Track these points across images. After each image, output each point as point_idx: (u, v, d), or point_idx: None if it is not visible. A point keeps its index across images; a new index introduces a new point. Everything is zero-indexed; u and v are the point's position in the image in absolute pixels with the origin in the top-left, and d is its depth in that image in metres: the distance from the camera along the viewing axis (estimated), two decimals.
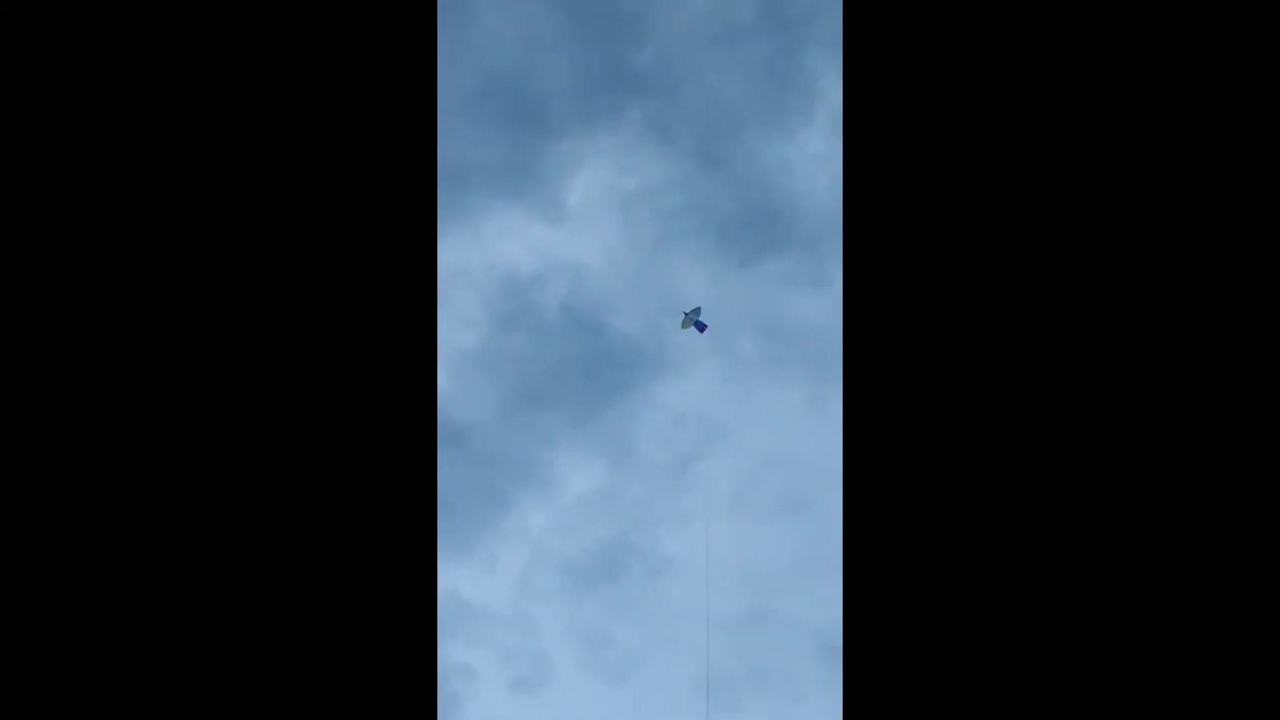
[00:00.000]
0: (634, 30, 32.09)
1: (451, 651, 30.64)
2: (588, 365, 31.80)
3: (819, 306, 32.27)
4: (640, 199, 31.98)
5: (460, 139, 31.16)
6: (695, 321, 25.06)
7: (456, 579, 30.94)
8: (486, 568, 31.23)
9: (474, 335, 31.56)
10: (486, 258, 31.73)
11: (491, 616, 30.98)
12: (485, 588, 31.21)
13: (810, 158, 32.49)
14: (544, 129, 31.61)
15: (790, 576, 31.10)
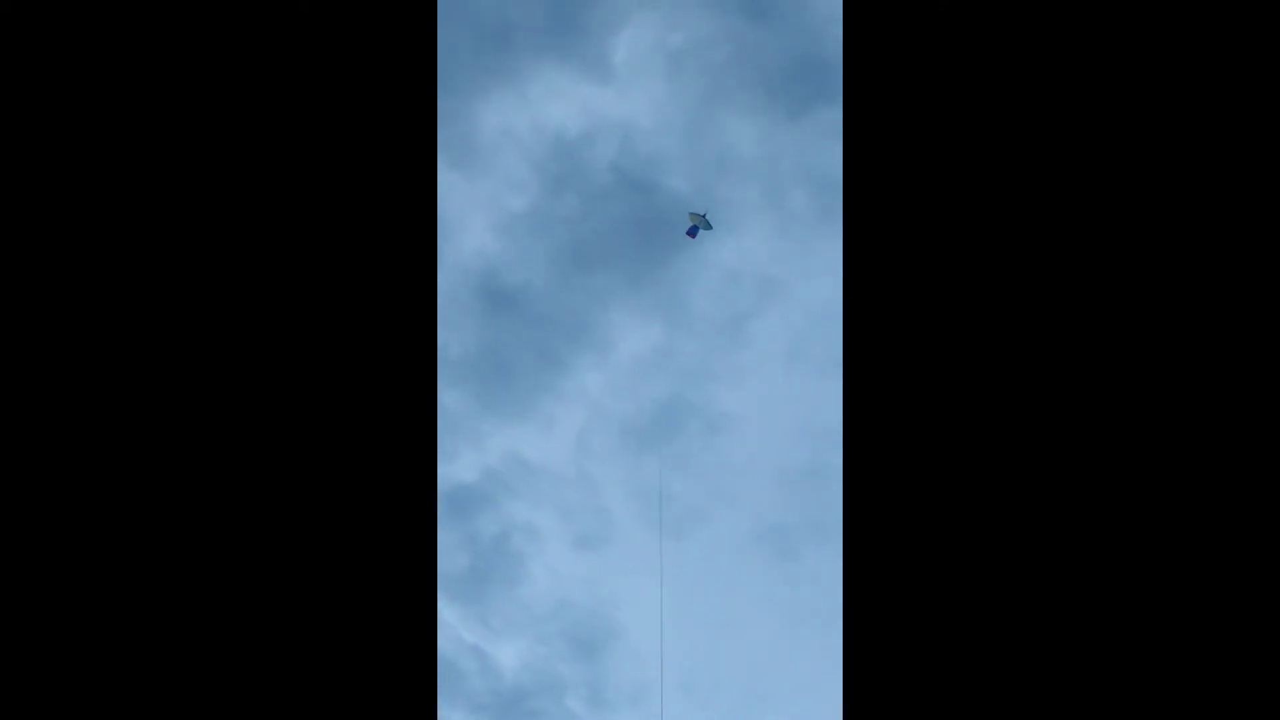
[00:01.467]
0: None
1: (515, 511, 31.29)
2: (640, 225, 31.67)
3: None
4: (687, 54, 31.45)
5: None
6: (694, 226, 24.57)
7: (517, 440, 31.44)
8: (545, 429, 31.69)
9: (524, 198, 31.48)
10: (534, 119, 31.47)
11: (552, 476, 31.53)
12: (545, 448, 31.71)
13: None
14: None
15: None
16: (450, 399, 30.51)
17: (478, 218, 31.41)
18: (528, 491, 31.35)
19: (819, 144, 31.71)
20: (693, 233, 24.59)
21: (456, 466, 30.89)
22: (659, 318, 31.80)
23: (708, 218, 24.56)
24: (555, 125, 31.51)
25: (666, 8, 31.41)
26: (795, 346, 31.97)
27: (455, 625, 30.36)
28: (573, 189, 31.60)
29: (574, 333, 31.60)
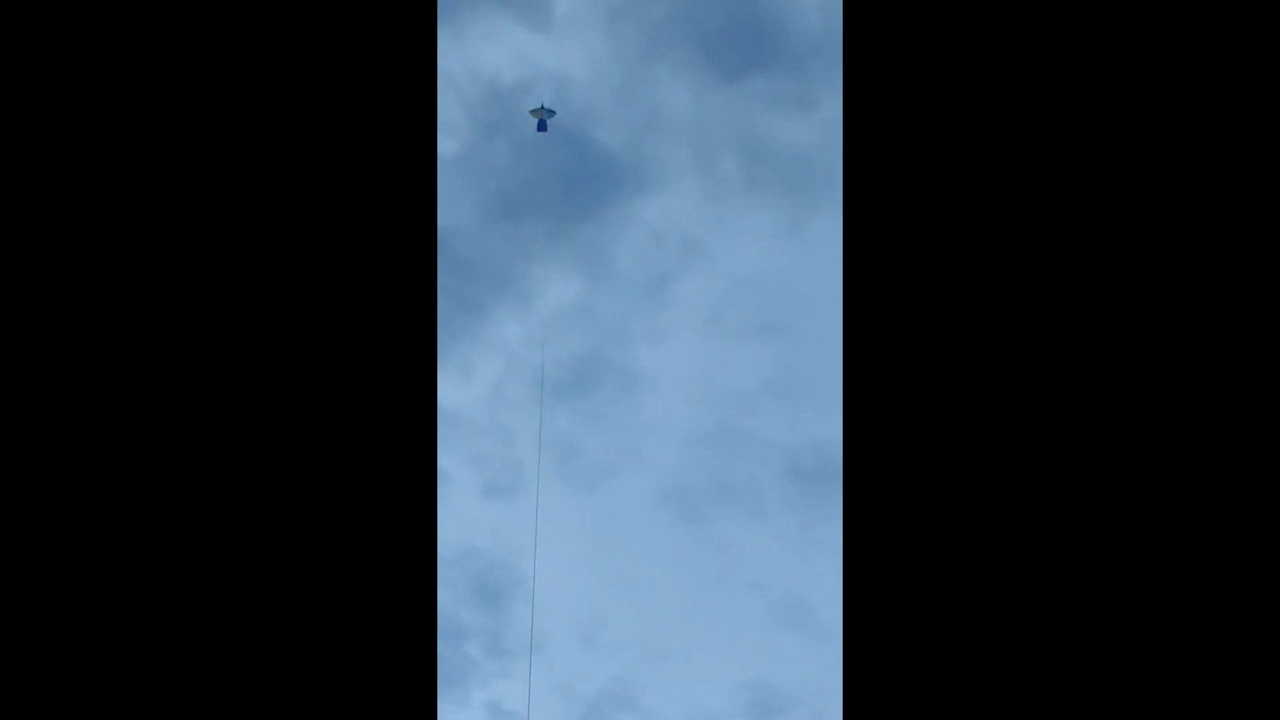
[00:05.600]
0: None
1: None
2: (568, 178, 31.54)
3: (803, 128, 31.99)
4: (626, 9, 31.30)
5: None
6: (541, 119, 24.46)
7: None
8: (462, 375, 31.51)
9: (455, 142, 31.17)
10: (469, 64, 31.13)
11: (466, 423, 31.39)
12: (460, 395, 31.53)
13: None
14: None
15: (760, 397, 31.59)
16: None
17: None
18: (440, 437, 31.17)
19: (752, 110, 31.82)
20: (542, 127, 24.48)
21: None
22: (581, 272, 31.77)
23: (545, 107, 24.51)
24: (491, 71, 31.23)
25: None
26: (714, 310, 32.15)
27: None
28: (504, 136, 31.35)
29: (495, 281, 31.45)
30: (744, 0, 31.75)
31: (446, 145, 31.09)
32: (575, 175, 31.67)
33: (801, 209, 31.69)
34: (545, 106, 24.29)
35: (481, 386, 31.54)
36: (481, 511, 31.24)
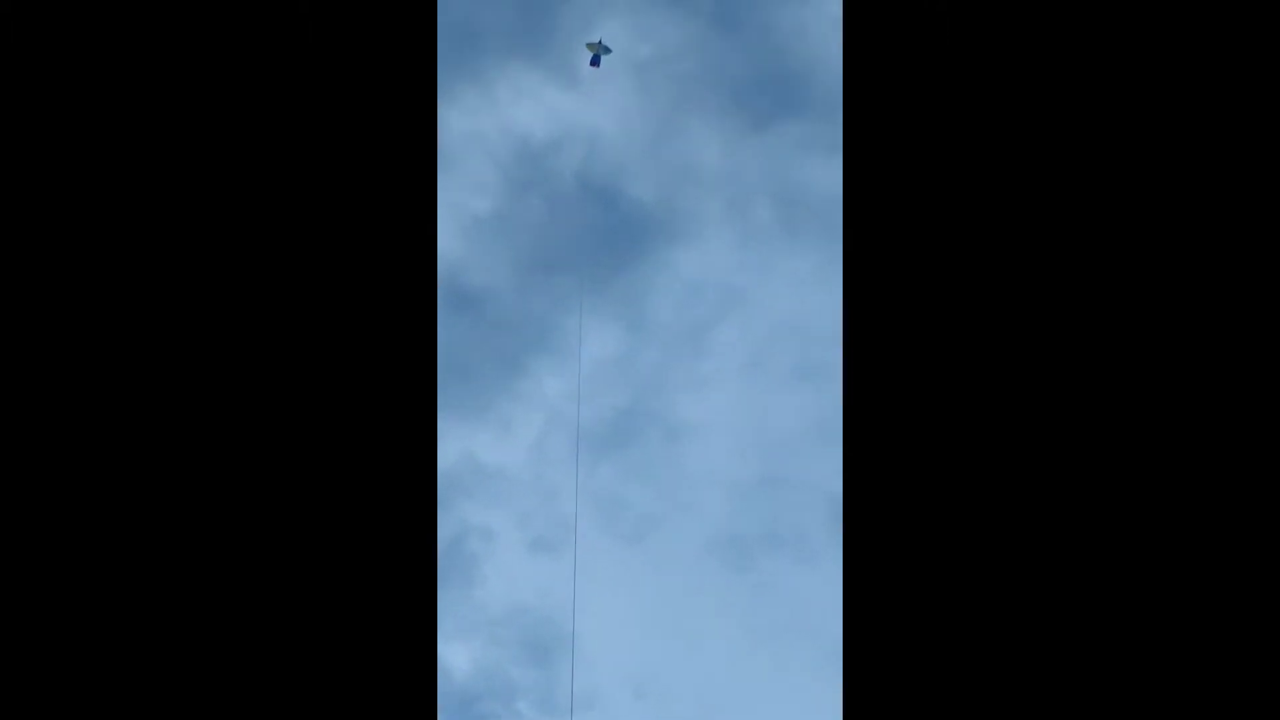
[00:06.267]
0: None
1: (469, 513, 31.15)
2: (603, 232, 31.75)
3: (834, 172, 32.06)
4: (654, 64, 31.61)
5: None
6: (596, 55, 24.18)
7: (473, 442, 31.33)
8: (503, 431, 31.61)
9: (488, 201, 31.53)
10: (500, 122, 31.51)
11: (508, 479, 31.43)
12: (502, 451, 31.64)
13: (825, 19, 32.04)
14: None
15: (804, 442, 31.46)
16: None
17: (441, 219, 31.28)
18: (483, 494, 31.24)
19: (783, 156, 31.97)
20: (595, 61, 24.26)
21: None
22: (620, 325, 31.88)
23: (602, 43, 24.30)
24: (522, 129, 31.58)
25: (633, 16, 31.57)
26: (755, 357, 32.13)
27: None
28: (537, 194, 31.65)
29: (534, 337, 31.63)
30: (770, 48, 32.02)
31: (480, 204, 31.45)
32: (610, 229, 31.88)
33: (837, 252, 31.66)
34: (602, 42, 24.10)
35: (524, 443, 31.63)
36: (529, 568, 31.21)
